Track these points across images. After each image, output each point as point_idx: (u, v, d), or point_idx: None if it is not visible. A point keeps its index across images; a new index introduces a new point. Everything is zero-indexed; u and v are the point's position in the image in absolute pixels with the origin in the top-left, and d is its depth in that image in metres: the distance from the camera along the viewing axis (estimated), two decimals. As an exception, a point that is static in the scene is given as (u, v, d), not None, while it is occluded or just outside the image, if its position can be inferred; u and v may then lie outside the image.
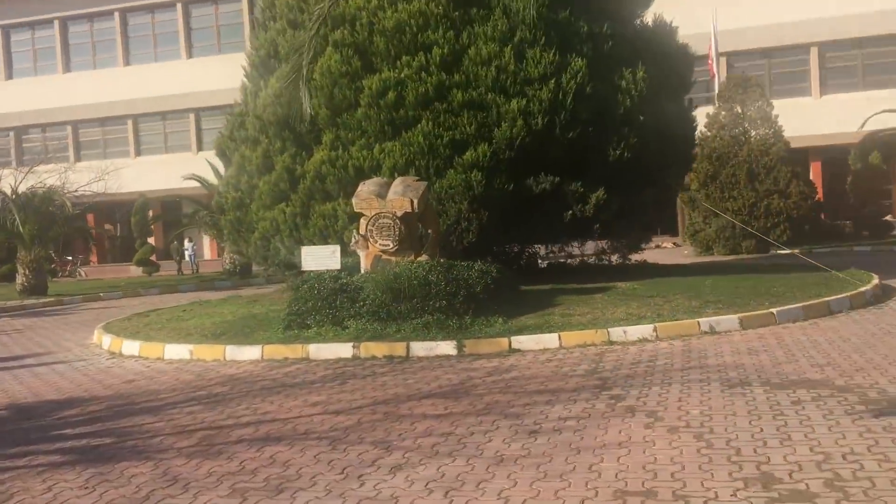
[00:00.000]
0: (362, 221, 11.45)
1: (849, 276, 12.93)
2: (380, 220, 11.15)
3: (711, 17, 27.10)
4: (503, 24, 12.93)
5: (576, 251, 15.31)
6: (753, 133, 25.45)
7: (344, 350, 9.57)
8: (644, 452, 5.08)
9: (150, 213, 33.76)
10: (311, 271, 11.60)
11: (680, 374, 7.44)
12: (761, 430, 5.38)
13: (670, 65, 14.77)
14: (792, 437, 5.15)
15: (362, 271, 11.32)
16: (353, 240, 11.77)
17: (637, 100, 13.28)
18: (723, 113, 25.92)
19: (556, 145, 12.87)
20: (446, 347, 9.32)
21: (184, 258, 32.52)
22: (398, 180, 11.64)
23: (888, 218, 30.24)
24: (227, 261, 26.73)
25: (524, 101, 12.64)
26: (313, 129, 13.69)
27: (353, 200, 11.31)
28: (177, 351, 10.59)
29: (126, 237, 35.63)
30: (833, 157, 29.96)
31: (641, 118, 13.44)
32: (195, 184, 27.17)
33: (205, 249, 36.56)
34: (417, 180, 11.72)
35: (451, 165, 12.68)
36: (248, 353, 10.00)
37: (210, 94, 35.10)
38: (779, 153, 25.22)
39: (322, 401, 7.32)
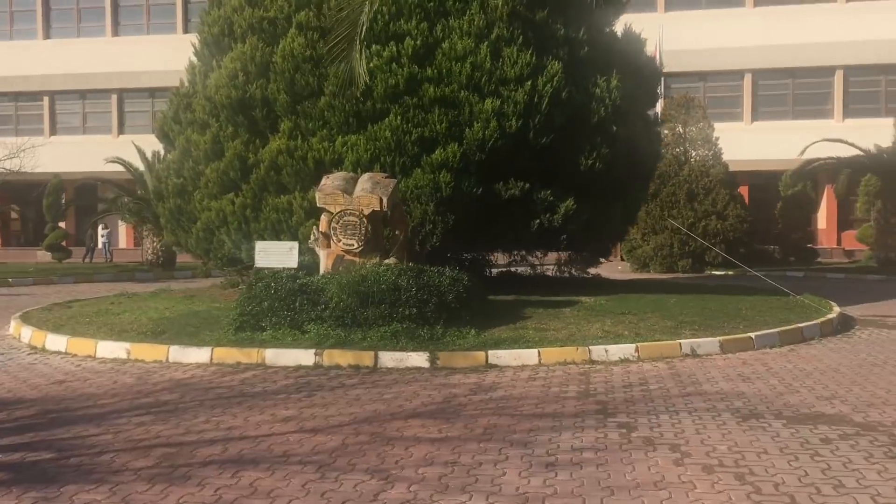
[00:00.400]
0: (324, 218, 10.66)
1: (808, 300, 12.85)
2: (345, 218, 10.39)
3: (658, 35, 27.15)
4: (480, 20, 12.35)
5: (535, 261, 14.80)
6: (694, 154, 25.66)
7: (305, 357, 8.77)
8: (688, 496, 4.54)
9: (64, 196, 31.68)
10: (265, 268, 10.73)
11: (682, 400, 6.97)
12: (806, 473, 4.92)
13: (640, 76, 14.48)
14: (844, 484, 4.70)
15: (322, 272, 10.52)
16: (312, 236, 10.96)
17: (611, 109, 12.90)
18: (665, 132, 26.01)
19: (527, 150, 12.34)
20: (418, 359, 8.64)
21: (97, 245, 30.66)
22: (366, 176, 10.90)
23: (812, 245, 31.02)
24: (149, 251, 25.22)
25: (498, 102, 12.07)
26: (269, 116, 12.80)
27: (317, 195, 10.50)
28: (111, 349, 9.57)
29: (36, 220, 33.37)
30: (760, 182, 30.54)
31: (614, 128, 13.05)
32: (117, 168, 25.58)
33: (120, 237, 34.65)
34: (386, 177, 11.01)
35: (419, 164, 12.00)
36: (195, 355, 9.08)
37: (135, 75, 33.37)
38: (718, 175, 25.47)
39: (293, 416, 6.55)
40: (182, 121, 13.83)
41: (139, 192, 24.93)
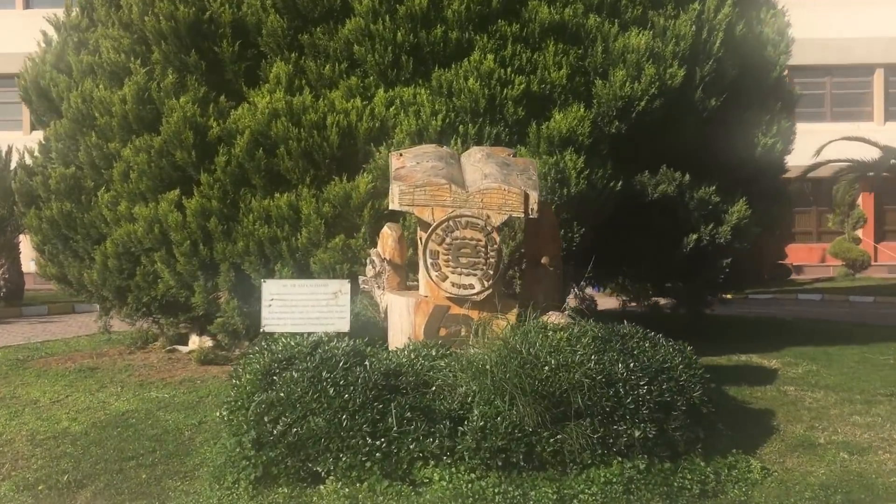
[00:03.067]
0: (392, 235, 5.57)
1: None
2: (456, 234, 5.30)
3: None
4: None
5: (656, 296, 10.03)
6: None
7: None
8: None
9: None
10: (282, 336, 5.47)
11: None
12: None
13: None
14: None
15: (399, 337, 5.40)
16: (368, 269, 5.83)
17: (785, 64, 8.45)
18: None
19: (689, 119, 7.68)
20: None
21: None
22: (477, 153, 5.86)
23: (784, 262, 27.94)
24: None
25: (650, 36, 7.32)
26: (247, 54, 7.49)
27: (398, 187, 5.34)
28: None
29: None
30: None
31: (790, 92, 8.60)
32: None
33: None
34: (513, 154, 6.00)
35: (525, 138, 7.09)
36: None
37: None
38: None
39: None
40: (74, 68, 8.20)
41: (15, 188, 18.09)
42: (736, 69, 7.91)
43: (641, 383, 4.64)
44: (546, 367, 4.60)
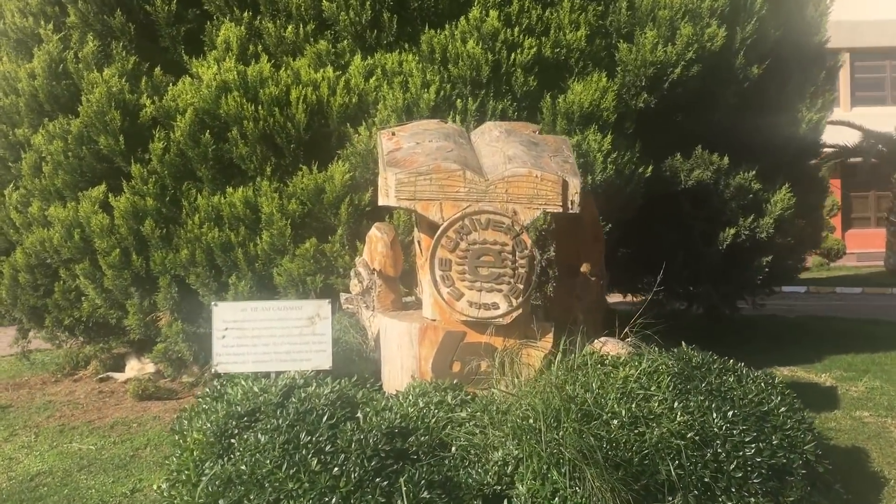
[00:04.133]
0: (382, 239, 4.28)
1: None
2: (473, 237, 3.98)
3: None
4: None
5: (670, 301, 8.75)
6: None
7: None
8: None
9: None
10: (242, 379, 4.11)
11: None
12: None
13: None
14: None
15: (401, 375, 4.07)
16: (354, 285, 4.50)
17: (827, 30, 7.30)
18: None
19: (728, 90, 6.46)
20: None
21: None
22: (494, 130, 4.54)
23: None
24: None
25: (683, -10, 6.09)
26: (187, 15, 6.06)
27: (394, 175, 3.99)
28: None
29: None
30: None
31: (832, 63, 7.46)
32: None
33: None
34: (537, 130, 4.68)
35: (539, 113, 5.79)
36: None
37: None
38: None
39: None
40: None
41: None
42: (779, 30, 6.72)
43: (747, 440, 3.38)
44: (616, 422, 3.31)
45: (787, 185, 6.87)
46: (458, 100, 5.63)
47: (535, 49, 5.72)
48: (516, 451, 3.36)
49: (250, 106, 5.57)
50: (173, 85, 5.92)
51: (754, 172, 6.72)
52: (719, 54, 6.21)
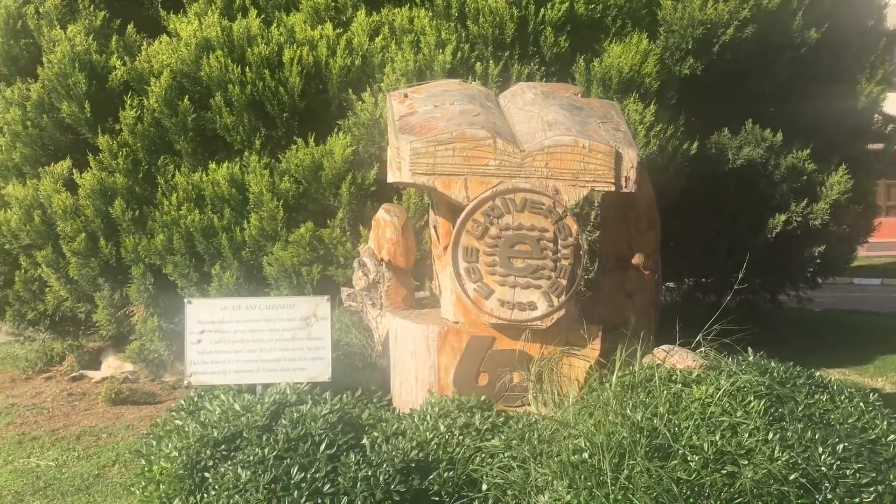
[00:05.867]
0: (390, 222, 3.54)
1: None
2: (513, 220, 3.25)
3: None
4: None
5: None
6: None
7: None
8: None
9: None
10: (221, 392, 3.38)
11: None
12: None
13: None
14: None
15: (415, 389, 3.35)
16: (358, 278, 3.76)
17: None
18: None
19: (783, 57, 5.74)
20: None
21: None
22: (527, 89, 3.80)
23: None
24: None
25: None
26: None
27: (409, 144, 3.25)
28: None
29: None
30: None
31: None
32: None
33: None
34: (580, 93, 3.94)
35: (568, 77, 5.06)
36: None
37: None
38: None
39: None
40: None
41: None
42: (834, -5, 5.99)
43: (863, 482, 2.66)
44: (697, 458, 2.60)
45: (844, 166, 6.15)
46: (478, 62, 4.90)
47: (567, 4, 4.98)
48: (568, 496, 2.64)
49: (236, 68, 4.83)
50: (148, 44, 5.17)
51: (808, 151, 5.99)
52: (775, 13, 5.47)
